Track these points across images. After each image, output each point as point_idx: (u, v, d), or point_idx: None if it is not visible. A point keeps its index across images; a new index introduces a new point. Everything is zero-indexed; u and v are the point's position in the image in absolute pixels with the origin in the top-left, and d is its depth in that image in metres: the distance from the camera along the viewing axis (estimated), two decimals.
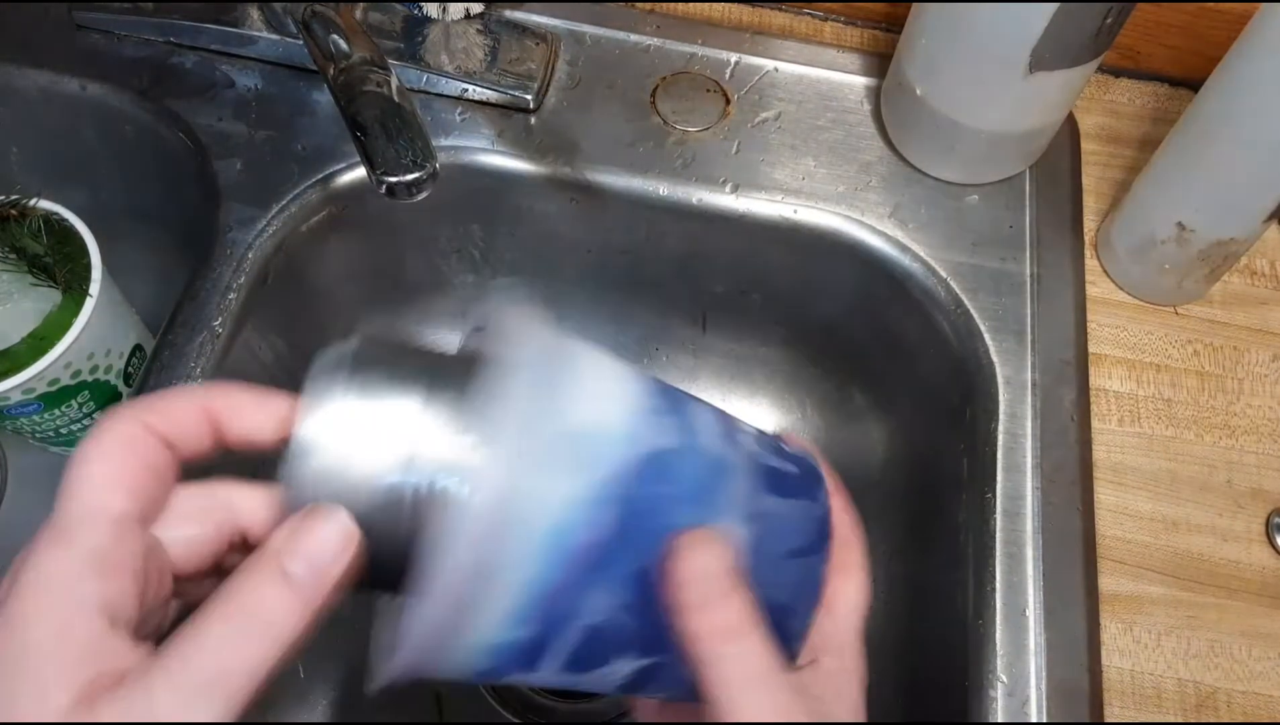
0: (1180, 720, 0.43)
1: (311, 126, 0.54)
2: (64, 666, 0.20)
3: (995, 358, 0.50)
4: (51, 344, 0.46)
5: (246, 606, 0.21)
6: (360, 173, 0.53)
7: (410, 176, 0.37)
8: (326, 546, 0.22)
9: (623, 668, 0.25)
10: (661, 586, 0.24)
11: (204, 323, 0.48)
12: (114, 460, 0.22)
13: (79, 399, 0.49)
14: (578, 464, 0.23)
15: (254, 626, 0.21)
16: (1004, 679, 0.43)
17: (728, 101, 0.57)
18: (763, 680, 0.24)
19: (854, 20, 0.61)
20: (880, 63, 0.58)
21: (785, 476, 0.28)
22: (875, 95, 0.58)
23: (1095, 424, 0.50)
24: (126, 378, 0.52)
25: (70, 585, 0.20)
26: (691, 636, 0.24)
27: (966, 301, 0.52)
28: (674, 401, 0.26)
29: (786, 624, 0.28)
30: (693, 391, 0.67)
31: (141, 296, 0.57)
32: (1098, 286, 0.54)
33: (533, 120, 0.56)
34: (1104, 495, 0.48)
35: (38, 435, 0.51)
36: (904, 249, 0.54)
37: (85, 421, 0.51)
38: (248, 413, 0.24)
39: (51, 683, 0.20)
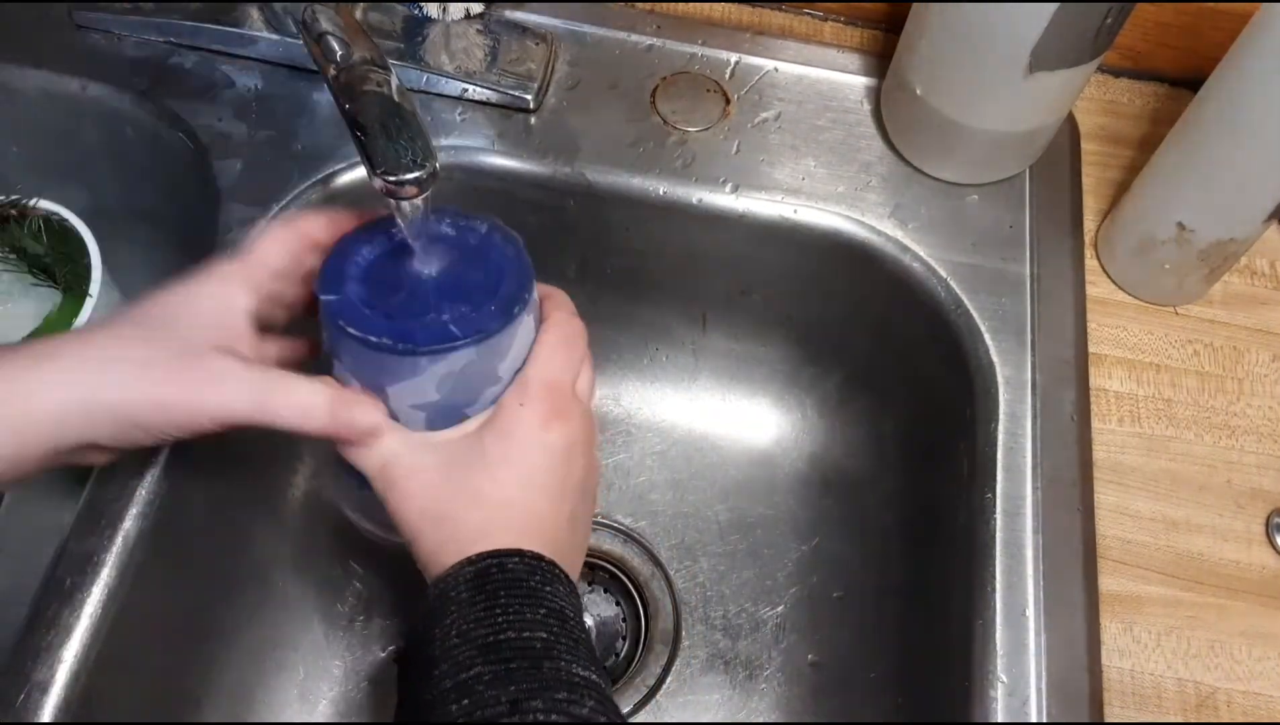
0: (1180, 720, 0.43)
1: (311, 127, 0.54)
2: (214, 325, 0.35)
3: (995, 358, 0.50)
4: None
5: (302, 398, 0.35)
6: (360, 173, 0.53)
7: (410, 176, 0.37)
8: (359, 426, 0.35)
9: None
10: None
11: None
12: (284, 238, 0.37)
13: None
14: None
15: (294, 411, 0.34)
16: (1004, 679, 0.43)
17: (728, 101, 0.57)
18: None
19: (854, 20, 0.61)
20: (880, 63, 0.58)
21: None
22: (875, 95, 0.58)
23: (1095, 424, 0.50)
24: None
25: (234, 290, 0.36)
26: None
27: (966, 301, 0.52)
28: None
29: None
30: (692, 391, 0.68)
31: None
32: (1097, 286, 0.54)
33: (533, 120, 0.56)
34: (1104, 495, 0.48)
35: None
36: (904, 249, 0.54)
37: None
38: None
39: (207, 325, 0.35)
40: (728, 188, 0.55)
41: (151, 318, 0.34)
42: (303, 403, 0.34)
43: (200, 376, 0.33)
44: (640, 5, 0.60)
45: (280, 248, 0.37)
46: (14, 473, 0.32)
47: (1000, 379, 0.50)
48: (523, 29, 0.57)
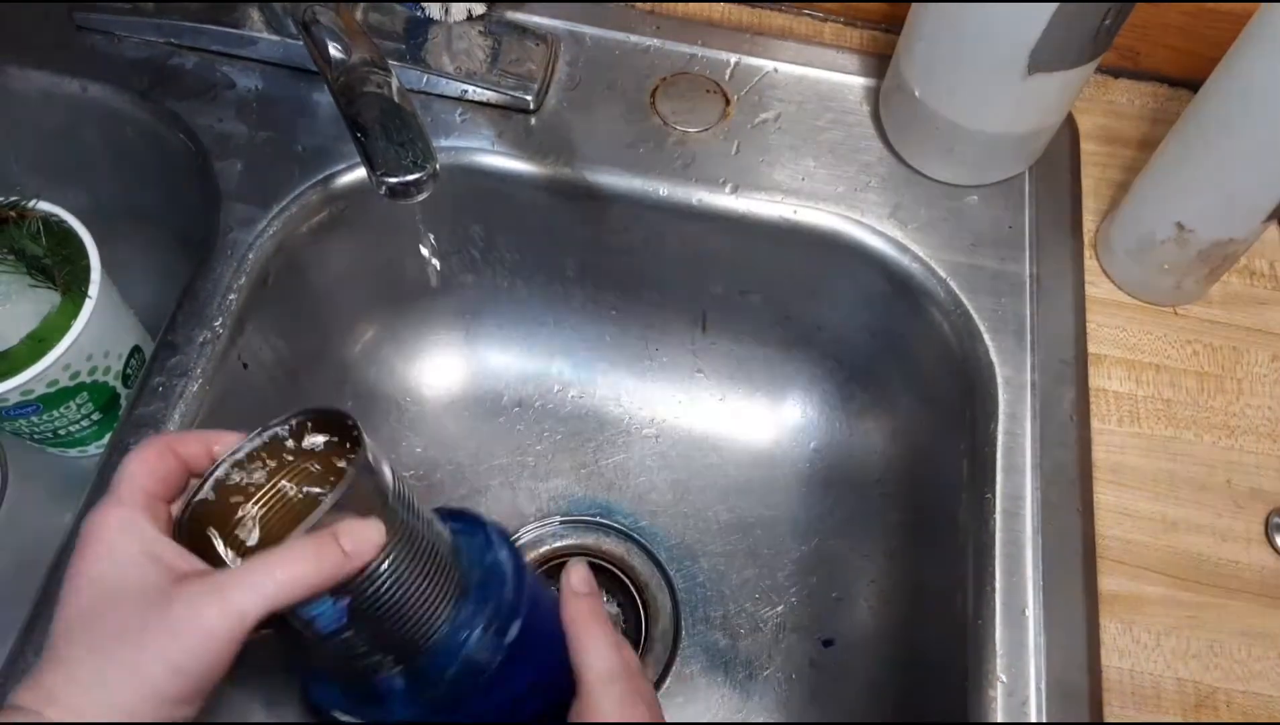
0: (1180, 720, 0.43)
1: (312, 127, 0.54)
2: (150, 565, 0.31)
3: (995, 358, 0.50)
4: (50, 346, 0.46)
5: (304, 550, 0.30)
6: (360, 173, 0.53)
7: (410, 177, 0.37)
8: (369, 540, 0.32)
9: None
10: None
11: (204, 323, 0.48)
12: (148, 462, 0.33)
13: (77, 400, 0.49)
14: None
15: (307, 562, 0.30)
16: (1003, 679, 0.43)
17: (727, 102, 0.57)
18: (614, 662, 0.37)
19: (853, 21, 0.61)
20: (880, 63, 0.58)
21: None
22: (875, 96, 0.58)
23: (1095, 424, 0.50)
24: (125, 379, 0.52)
25: (129, 523, 0.32)
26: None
27: (966, 302, 0.52)
28: None
29: None
30: (693, 391, 0.68)
31: (141, 297, 0.57)
32: (1097, 287, 0.54)
33: (533, 121, 0.56)
34: (1103, 495, 0.48)
35: (36, 436, 0.51)
36: (903, 249, 0.54)
37: (83, 422, 0.51)
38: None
39: (150, 578, 0.30)
40: (727, 188, 0.55)
41: (83, 619, 0.30)
42: (302, 557, 0.30)
43: (181, 622, 0.29)
44: (640, 6, 0.60)
45: (147, 469, 0.33)
46: None
47: (1000, 379, 0.50)
48: (523, 30, 0.57)
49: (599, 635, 0.38)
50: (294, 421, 0.35)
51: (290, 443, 0.35)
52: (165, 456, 0.34)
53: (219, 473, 0.34)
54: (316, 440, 0.35)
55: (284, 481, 0.35)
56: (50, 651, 0.30)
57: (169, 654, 0.29)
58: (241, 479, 0.35)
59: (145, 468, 0.33)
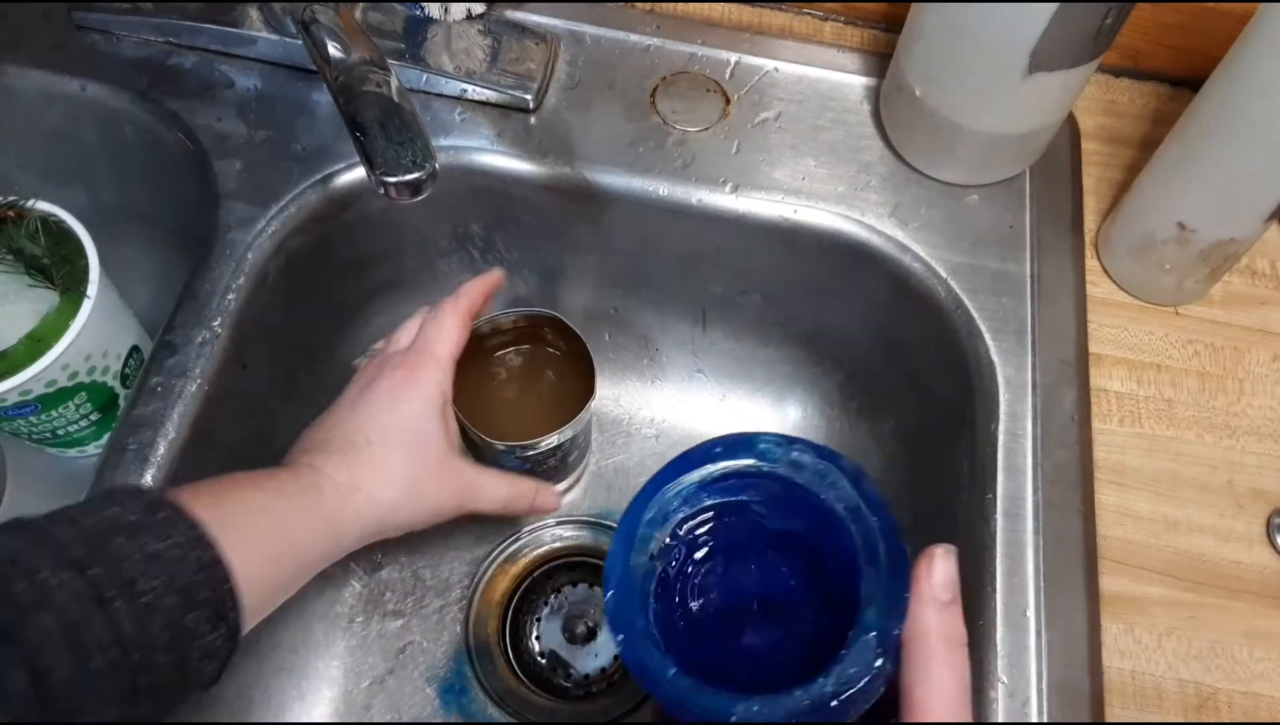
0: (1181, 721, 0.43)
1: (311, 127, 0.54)
2: (442, 425, 0.46)
3: (996, 358, 0.50)
4: (49, 346, 0.45)
5: (517, 490, 0.50)
6: (360, 173, 0.53)
7: (410, 176, 0.37)
8: (545, 507, 0.52)
9: None
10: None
11: (203, 323, 0.48)
12: (455, 327, 0.48)
13: (76, 401, 0.49)
14: None
15: (511, 496, 0.49)
16: (1004, 679, 0.43)
17: (727, 101, 0.57)
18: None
19: (853, 20, 0.61)
20: (880, 63, 0.58)
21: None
22: (875, 95, 0.58)
23: (1096, 424, 0.50)
24: (124, 379, 0.52)
25: (442, 387, 0.47)
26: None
27: (966, 301, 0.52)
28: None
29: None
30: (692, 391, 0.68)
31: (140, 297, 0.57)
32: (1098, 286, 0.54)
33: (532, 120, 0.55)
34: (1104, 496, 0.48)
35: (34, 436, 0.51)
36: (904, 249, 0.53)
37: (82, 422, 0.51)
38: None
39: (441, 441, 0.46)
40: (728, 188, 0.54)
41: (401, 433, 0.44)
42: (512, 493, 0.49)
43: (459, 489, 0.46)
44: (640, 5, 0.60)
45: (458, 338, 0.47)
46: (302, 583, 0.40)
47: (1000, 379, 0.50)
48: (523, 29, 0.57)
49: (954, 666, 0.27)
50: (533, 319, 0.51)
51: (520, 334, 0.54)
52: (467, 325, 0.49)
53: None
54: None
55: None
56: (354, 435, 0.44)
57: (454, 494, 0.46)
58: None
59: (459, 335, 0.47)
